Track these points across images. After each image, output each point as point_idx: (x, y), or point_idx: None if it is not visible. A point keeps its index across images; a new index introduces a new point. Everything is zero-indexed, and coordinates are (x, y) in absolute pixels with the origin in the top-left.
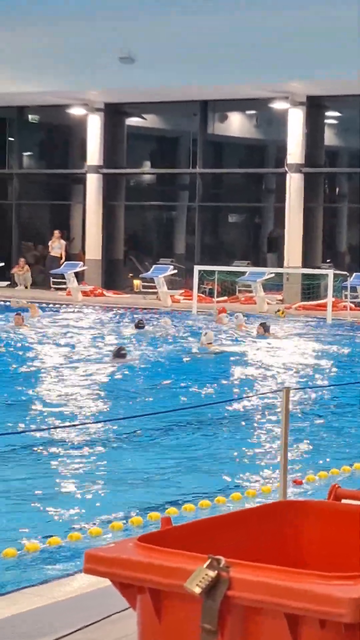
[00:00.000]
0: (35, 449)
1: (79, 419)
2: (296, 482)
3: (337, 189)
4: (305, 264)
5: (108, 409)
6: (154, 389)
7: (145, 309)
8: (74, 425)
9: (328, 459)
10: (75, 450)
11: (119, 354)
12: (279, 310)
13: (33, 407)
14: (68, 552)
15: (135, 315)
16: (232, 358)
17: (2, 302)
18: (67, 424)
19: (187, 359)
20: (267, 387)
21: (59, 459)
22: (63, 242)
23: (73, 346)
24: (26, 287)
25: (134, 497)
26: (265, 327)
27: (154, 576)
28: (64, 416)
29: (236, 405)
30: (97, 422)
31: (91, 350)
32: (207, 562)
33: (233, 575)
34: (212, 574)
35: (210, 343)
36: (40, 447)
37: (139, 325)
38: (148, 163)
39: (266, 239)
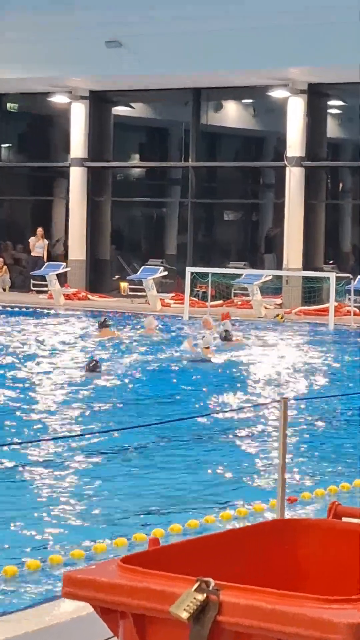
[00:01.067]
0: (7, 465)
1: (59, 432)
2: (290, 500)
3: (341, 184)
4: (306, 266)
5: (89, 421)
6: (140, 400)
7: (133, 313)
8: (56, 439)
9: (326, 475)
10: (54, 466)
11: (92, 368)
12: (278, 315)
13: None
14: (48, 576)
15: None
16: (226, 366)
17: None
18: (47, 437)
19: (176, 367)
20: (263, 398)
21: (36, 475)
22: (45, 241)
23: (53, 353)
24: (4, 290)
25: (118, 517)
26: (224, 336)
27: (137, 600)
28: (40, 430)
29: (229, 417)
30: (76, 435)
31: (71, 358)
32: (196, 585)
33: (223, 598)
34: (201, 597)
35: (207, 348)
36: (15, 464)
37: (104, 324)
38: (137, 156)
39: (264, 239)
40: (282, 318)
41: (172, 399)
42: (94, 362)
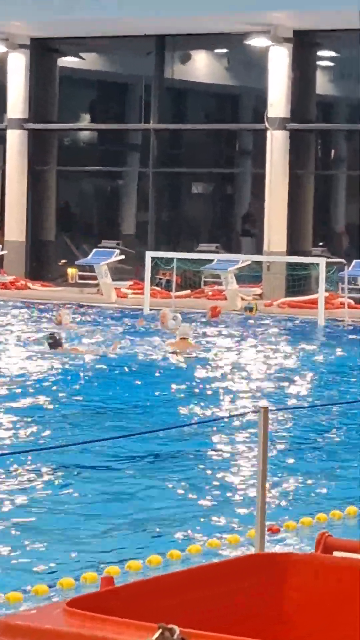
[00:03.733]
0: None
1: None
2: (272, 529)
3: (333, 152)
4: (290, 249)
5: (31, 437)
6: (98, 408)
7: (83, 305)
8: None
9: (314, 500)
10: None
11: (54, 342)
12: (249, 308)
13: None
14: None
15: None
16: (195, 368)
17: None
18: None
19: (136, 367)
20: (240, 407)
21: None
22: None
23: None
24: None
25: (63, 552)
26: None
27: None
28: None
29: (196, 430)
30: (12, 453)
31: (5, 365)
32: (157, 634)
33: None
34: None
35: (184, 338)
36: None
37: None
38: (87, 116)
39: (240, 217)
40: (253, 312)
41: (134, 407)
42: (53, 336)
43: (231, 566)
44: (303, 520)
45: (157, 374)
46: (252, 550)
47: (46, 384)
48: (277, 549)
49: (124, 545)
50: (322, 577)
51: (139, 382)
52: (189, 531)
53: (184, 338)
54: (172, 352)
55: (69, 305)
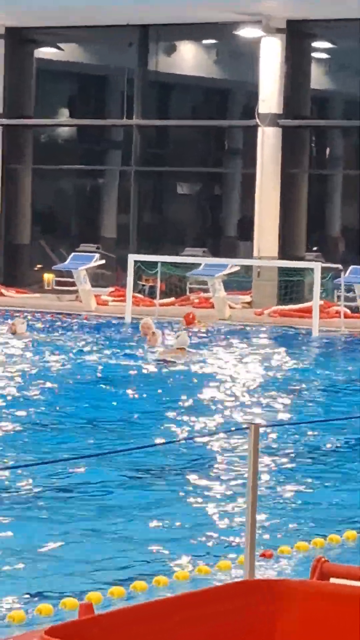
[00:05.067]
0: None
1: None
2: (265, 554)
3: (328, 150)
4: (283, 254)
5: (15, 452)
6: (77, 420)
7: (59, 313)
8: None
9: (310, 524)
10: None
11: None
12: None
13: None
14: None
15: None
16: (183, 380)
17: None
18: None
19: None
20: (229, 423)
21: None
22: None
23: None
24: None
25: (40, 576)
26: None
27: None
28: None
29: (186, 446)
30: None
31: None
32: None
33: None
34: None
35: (182, 349)
36: None
37: None
38: (66, 111)
39: (229, 219)
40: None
41: (119, 421)
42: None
43: (219, 593)
44: (298, 545)
45: (143, 385)
46: (243, 576)
47: (25, 393)
48: (270, 575)
49: (107, 570)
50: (318, 605)
51: (123, 394)
52: (176, 556)
53: (182, 348)
54: (162, 360)
55: (38, 313)
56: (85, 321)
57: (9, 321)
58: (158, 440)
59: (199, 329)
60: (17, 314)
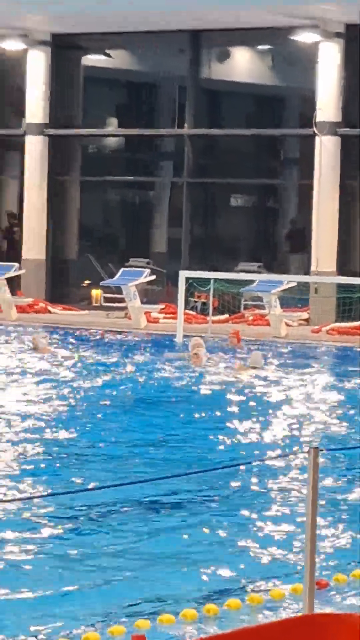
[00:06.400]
0: None
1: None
2: (320, 584)
3: None
4: (341, 269)
5: (61, 474)
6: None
7: (108, 330)
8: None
9: None
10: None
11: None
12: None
13: None
14: None
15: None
16: (228, 402)
17: None
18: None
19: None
20: (285, 446)
21: None
22: None
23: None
24: None
25: (86, 603)
26: None
27: None
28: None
29: (235, 471)
30: (40, 497)
31: (23, 394)
32: None
33: None
34: None
35: (255, 367)
36: None
37: None
38: (114, 121)
39: (285, 233)
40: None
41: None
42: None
43: (283, 627)
44: (355, 573)
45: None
46: (298, 607)
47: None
48: (325, 605)
49: (154, 595)
50: None
51: (176, 415)
52: (228, 582)
53: (255, 367)
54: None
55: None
56: (101, 338)
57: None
58: (214, 464)
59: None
60: (40, 329)
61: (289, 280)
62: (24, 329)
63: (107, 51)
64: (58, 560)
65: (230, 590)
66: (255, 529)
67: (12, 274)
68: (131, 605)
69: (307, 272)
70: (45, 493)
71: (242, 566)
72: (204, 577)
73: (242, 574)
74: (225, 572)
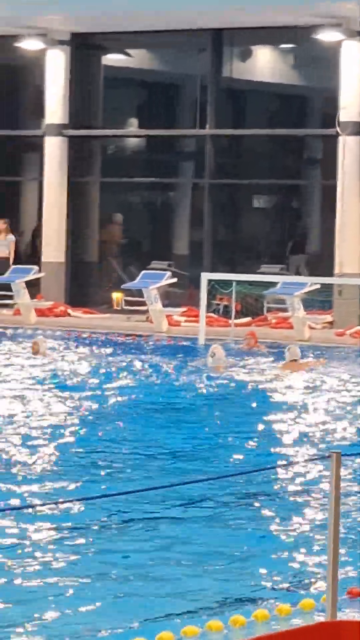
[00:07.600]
0: None
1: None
2: (352, 592)
3: None
4: None
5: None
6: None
7: (129, 334)
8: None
9: None
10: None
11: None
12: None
13: None
14: None
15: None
16: (250, 405)
17: None
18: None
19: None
20: (305, 452)
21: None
22: (12, 237)
23: (23, 397)
24: None
25: (105, 614)
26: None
27: None
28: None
29: (264, 474)
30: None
31: (47, 404)
32: None
33: None
34: None
35: (294, 360)
36: None
37: None
38: (135, 121)
39: (308, 234)
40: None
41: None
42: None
43: (305, 634)
44: None
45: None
46: (325, 617)
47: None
48: (355, 615)
49: (176, 608)
50: None
51: (200, 421)
52: (256, 592)
53: (295, 360)
54: (277, 375)
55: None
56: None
57: (32, 339)
58: (237, 469)
59: (258, 349)
60: (40, 333)
61: (312, 282)
62: (43, 332)
63: (128, 50)
64: (78, 572)
65: (258, 600)
66: (283, 537)
67: (31, 276)
68: (157, 618)
69: (330, 274)
70: (74, 499)
71: (274, 577)
72: (225, 591)
73: (268, 587)
74: (248, 586)
